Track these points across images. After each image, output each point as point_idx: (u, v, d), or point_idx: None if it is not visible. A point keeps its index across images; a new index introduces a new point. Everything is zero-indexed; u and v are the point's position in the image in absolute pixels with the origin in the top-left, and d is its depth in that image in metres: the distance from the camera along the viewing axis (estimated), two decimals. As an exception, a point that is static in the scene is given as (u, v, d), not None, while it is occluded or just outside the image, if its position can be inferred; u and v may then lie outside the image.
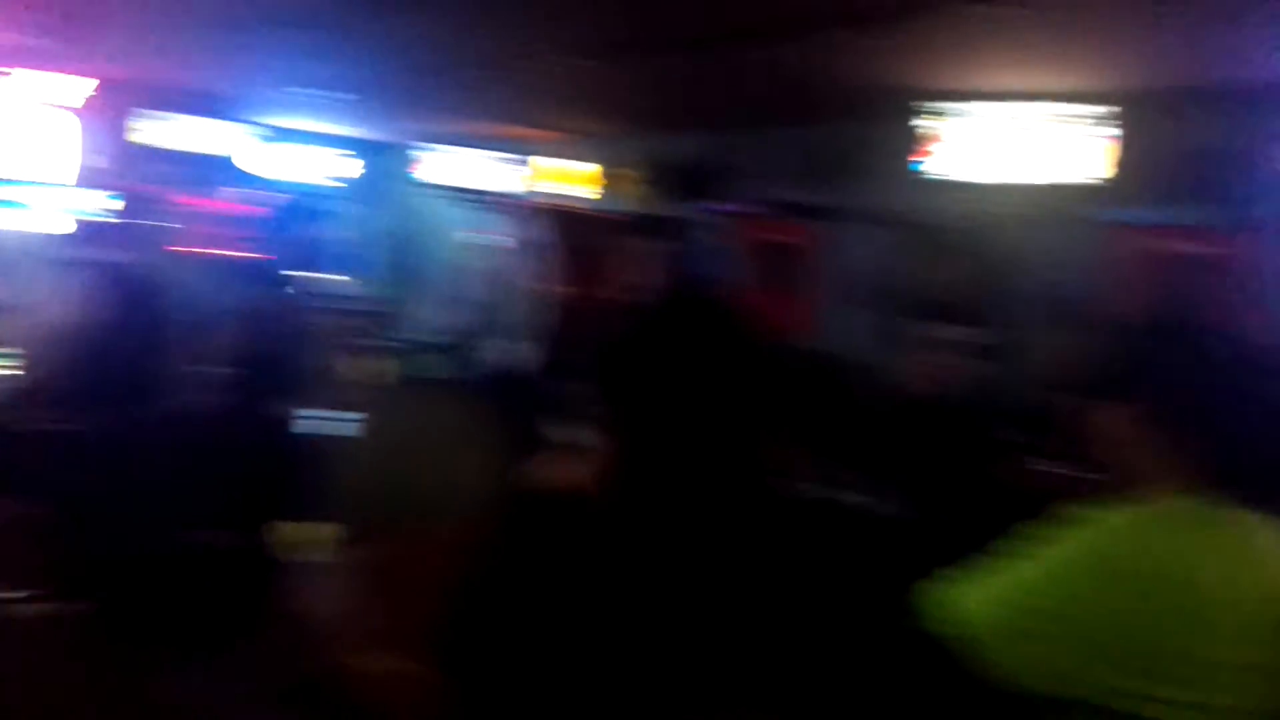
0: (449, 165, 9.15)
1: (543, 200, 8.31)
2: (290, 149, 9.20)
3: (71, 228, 7.56)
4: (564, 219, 4.32)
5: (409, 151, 10.41)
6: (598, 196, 8.21)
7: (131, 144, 7.83)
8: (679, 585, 2.88)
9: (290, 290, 4.14)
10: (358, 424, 2.59)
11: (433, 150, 9.06)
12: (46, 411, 3.74)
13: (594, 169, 8.44)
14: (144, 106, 7.70)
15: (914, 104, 5.53)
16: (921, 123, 5.61)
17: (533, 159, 8.88)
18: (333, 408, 5.27)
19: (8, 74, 6.27)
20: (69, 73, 6.93)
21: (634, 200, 7.00)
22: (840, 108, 5.84)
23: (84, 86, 7.38)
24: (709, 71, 5.29)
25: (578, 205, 7.83)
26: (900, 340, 3.70)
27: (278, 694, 1.50)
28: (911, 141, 5.67)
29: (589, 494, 2.82)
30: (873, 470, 3.44)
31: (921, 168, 5.67)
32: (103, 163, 7.76)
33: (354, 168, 9.84)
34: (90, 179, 7.63)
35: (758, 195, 6.64)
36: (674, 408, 3.09)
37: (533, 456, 2.88)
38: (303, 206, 4.46)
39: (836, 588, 3.18)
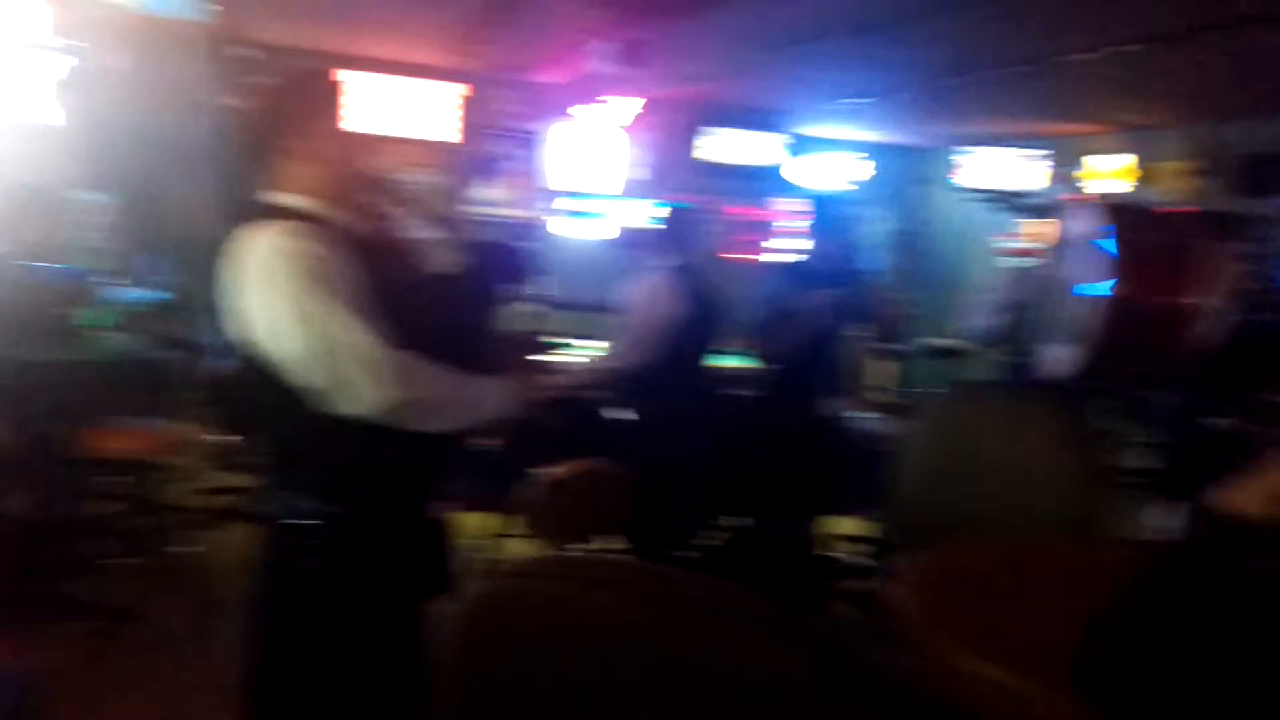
0: (984, 167, 8.94)
1: (1089, 197, 7.83)
2: (823, 157, 9.56)
3: (638, 233, 8.51)
4: (1120, 216, 4.04)
5: (941, 155, 10.37)
6: (1148, 191, 7.58)
7: (684, 156, 8.58)
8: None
9: (830, 292, 4.27)
10: (911, 426, 2.64)
11: (967, 152, 8.90)
12: (622, 395, 4.23)
13: (1138, 162, 7.82)
14: (698, 123, 8.38)
15: None
16: None
17: (1075, 155, 8.41)
18: (871, 408, 5.39)
19: (604, 101, 7.17)
20: (638, 95, 7.71)
21: (1186, 194, 6.38)
22: None
23: (637, 105, 8.23)
24: (1265, 53, 4.68)
25: (1132, 201, 7.26)
26: None
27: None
28: None
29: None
30: None
31: None
32: (656, 175, 8.60)
33: (882, 173, 9.99)
34: (643, 190, 8.50)
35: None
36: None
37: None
38: (839, 213, 4.58)
39: None
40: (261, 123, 2.02)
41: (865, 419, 4.78)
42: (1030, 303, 4.76)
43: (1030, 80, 5.81)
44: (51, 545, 4.30)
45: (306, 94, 2.05)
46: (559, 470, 4.00)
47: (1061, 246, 3.89)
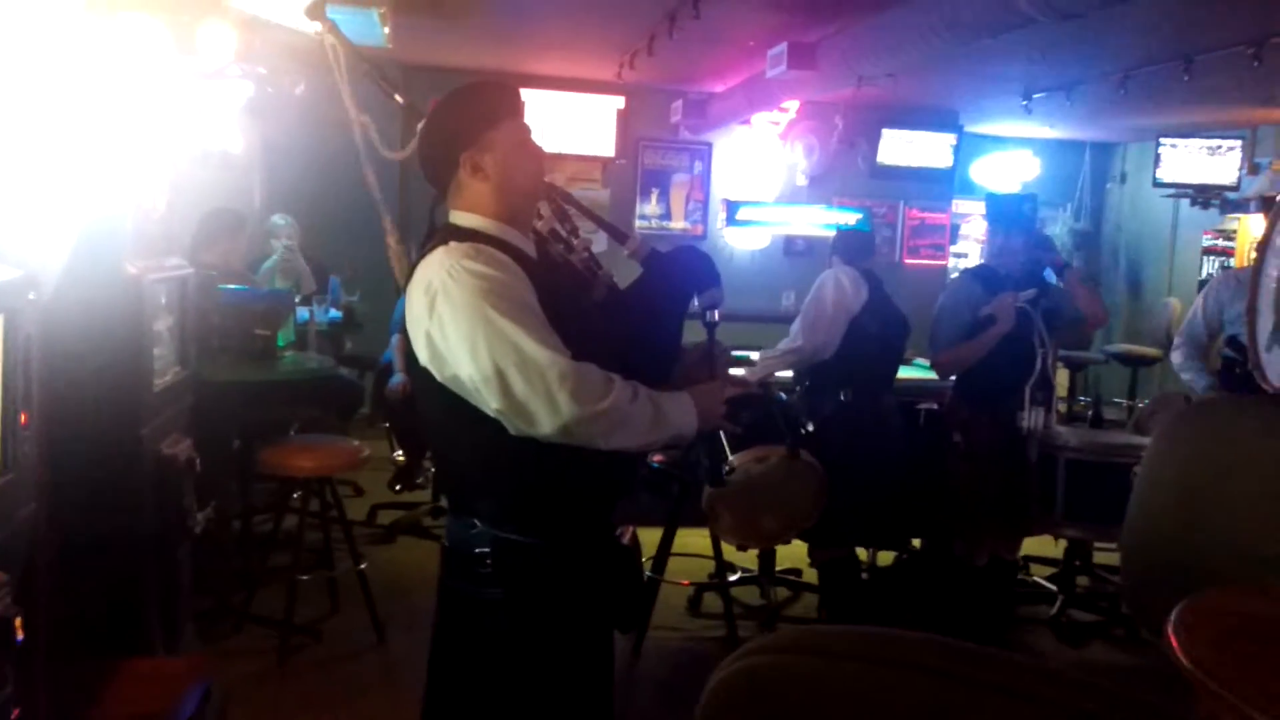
0: (1179, 160, 8.36)
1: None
2: (1001, 156, 9.17)
3: (811, 243, 8.32)
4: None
5: (1123, 150, 9.81)
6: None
7: (857, 160, 8.34)
8: None
9: (1023, 295, 3.98)
10: (1154, 443, 2.38)
11: (1157, 145, 8.34)
12: (803, 401, 4.12)
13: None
14: (872, 126, 8.13)
15: None
16: None
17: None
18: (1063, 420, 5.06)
19: (773, 108, 7.02)
20: (808, 99, 7.50)
21: None
22: None
23: (807, 110, 8.04)
24: None
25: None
26: None
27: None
28: None
29: None
30: None
31: None
32: (828, 180, 8.38)
33: (1060, 170, 9.52)
34: (814, 197, 8.28)
35: None
36: None
37: None
38: (1025, 213, 4.27)
39: None
40: (442, 134, 1.95)
41: (1062, 432, 4.45)
42: (1237, 304, 4.31)
43: (1239, 64, 5.36)
44: (231, 560, 4.41)
45: (487, 103, 1.97)
46: (747, 458, 3.86)
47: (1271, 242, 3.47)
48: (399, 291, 2.56)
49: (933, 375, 4.38)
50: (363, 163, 3.48)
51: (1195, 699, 1.11)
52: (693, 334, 2.04)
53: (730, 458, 3.96)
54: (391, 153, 3.25)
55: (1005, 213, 4.23)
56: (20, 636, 1.88)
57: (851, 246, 4.28)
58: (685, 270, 2.05)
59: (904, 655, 0.72)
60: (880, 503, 4.09)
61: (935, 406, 4.47)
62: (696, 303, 2.06)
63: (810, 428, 4.01)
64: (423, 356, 1.85)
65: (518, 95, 2.02)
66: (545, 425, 1.75)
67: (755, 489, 3.83)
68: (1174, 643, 1.14)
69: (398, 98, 2.73)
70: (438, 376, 1.84)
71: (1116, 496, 2.77)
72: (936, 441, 4.22)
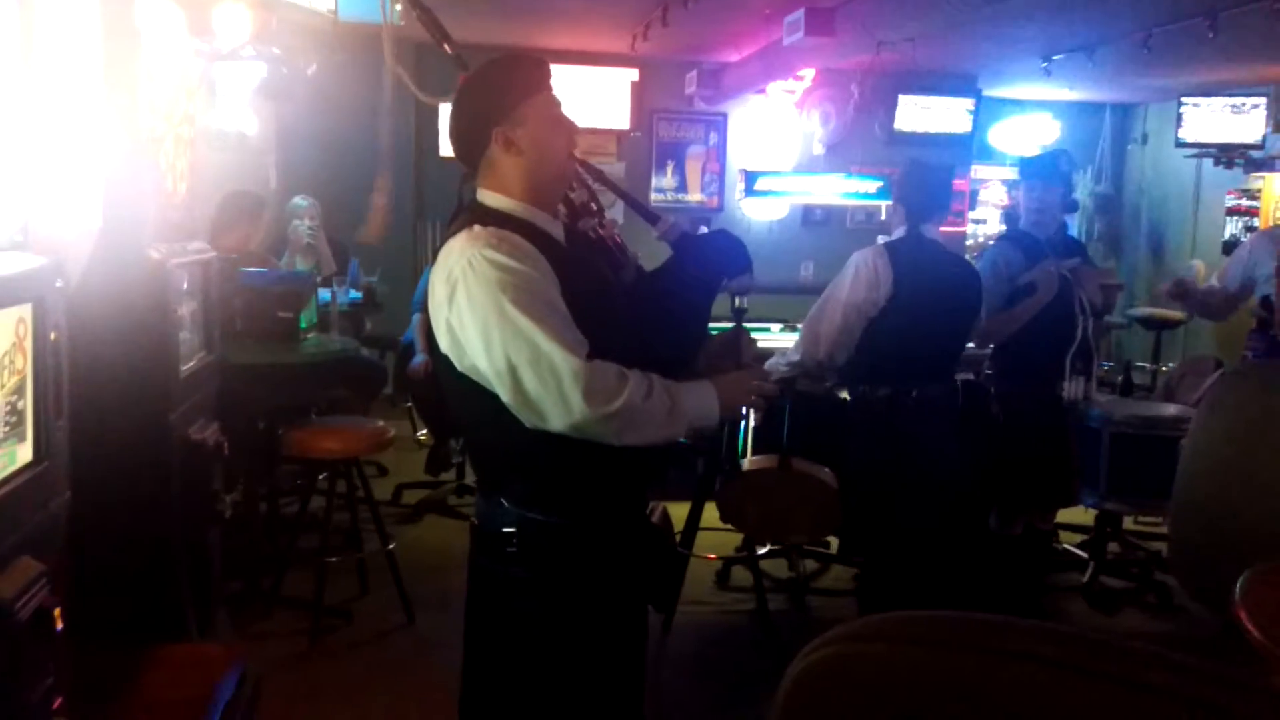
0: (1201, 119, 8.23)
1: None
2: (1021, 120, 9.06)
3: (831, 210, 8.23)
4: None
5: (1143, 110, 9.67)
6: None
7: (874, 127, 8.25)
8: None
9: (1063, 263, 3.90)
10: (1202, 412, 2.33)
11: (1179, 105, 8.21)
12: (839, 382, 3.90)
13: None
14: (890, 92, 8.04)
15: None
16: None
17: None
18: (1115, 390, 5.01)
19: (790, 76, 6.88)
20: (825, 66, 7.42)
21: None
22: None
23: (824, 77, 7.93)
24: None
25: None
26: None
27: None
28: None
29: None
30: None
31: None
32: (846, 148, 8.29)
33: (1079, 133, 9.40)
34: (831, 165, 8.20)
35: None
36: None
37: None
38: (1057, 175, 4.14)
39: None
40: (473, 109, 1.91)
41: (1105, 403, 4.39)
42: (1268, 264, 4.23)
43: (1265, 18, 5.25)
44: (259, 542, 4.41)
45: (519, 77, 1.93)
46: (758, 464, 3.81)
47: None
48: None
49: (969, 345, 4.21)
50: (378, 118, 3.39)
51: (1267, 670, 1.09)
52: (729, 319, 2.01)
53: (747, 456, 3.90)
54: (430, 97, 3.23)
55: (1041, 168, 4.11)
56: (59, 626, 1.88)
57: (912, 197, 3.57)
58: (719, 254, 2.01)
59: (1012, 643, 0.69)
60: (914, 512, 3.52)
61: (972, 377, 4.34)
62: (725, 287, 2.03)
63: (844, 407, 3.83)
64: (443, 343, 1.84)
65: (548, 68, 1.99)
66: (556, 422, 1.74)
67: (754, 491, 3.78)
68: (1242, 614, 1.12)
69: (447, 47, 2.71)
70: (458, 365, 1.83)
71: (1161, 470, 2.73)
72: (973, 413, 4.07)
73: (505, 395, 1.76)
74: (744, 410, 2.01)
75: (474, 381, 1.81)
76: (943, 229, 3.89)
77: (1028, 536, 4.10)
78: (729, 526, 4.07)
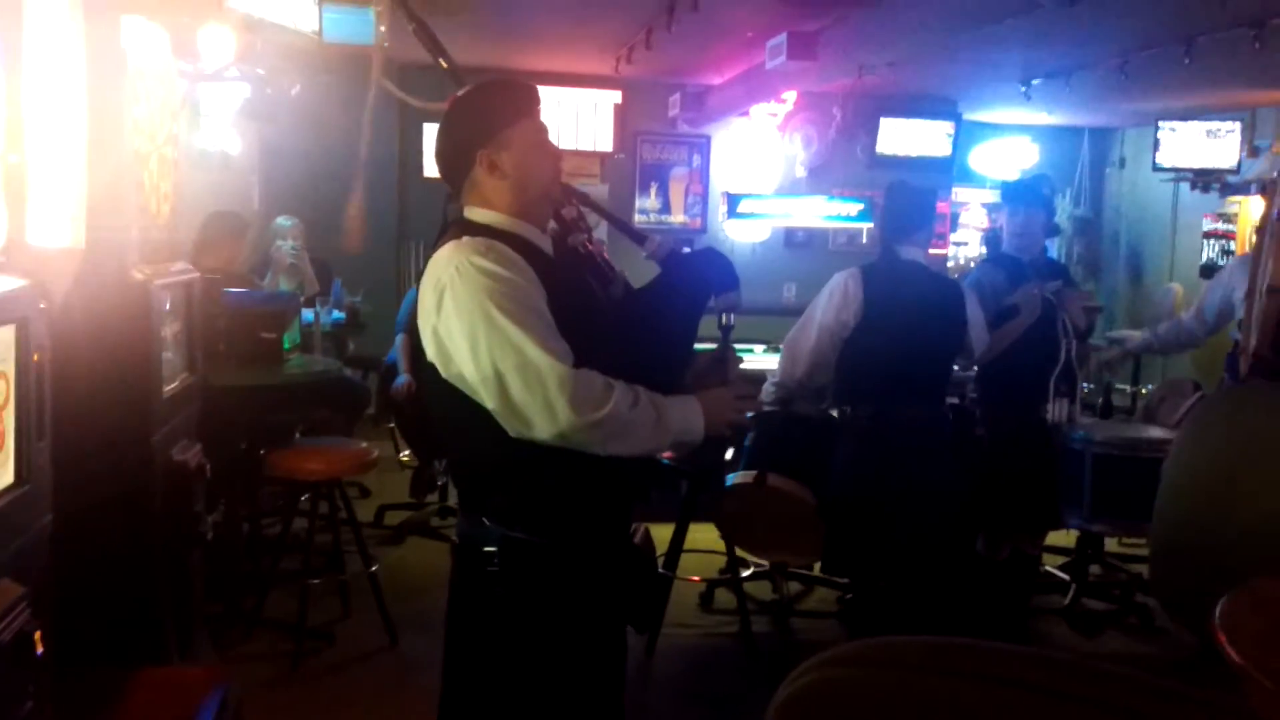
0: (1178, 144, 8.30)
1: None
2: (1000, 143, 9.13)
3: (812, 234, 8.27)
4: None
5: (1121, 135, 9.77)
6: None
7: (855, 151, 8.30)
8: None
9: (1046, 285, 3.92)
10: (1182, 433, 2.36)
11: (1155, 129, 8.29)
12: (822, 402, 3.89)
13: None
14: (871, 115, 8.10)
15: None
16: None
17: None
18: (1099, 413, 5.03)
19: (772, 99, 6.93)
20: (807, 90, 7.47)
21: None
22: None
23: (805, 100, 7.98)
24: None
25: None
26: None
27: None
28: None
29: None
30: None
31: None
32: (827, 171, 8.35)
33: (1057, 157, 9.49)
34: (813, 187, 8.25)
35: None
36: None
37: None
38: (1038, 199, 4.17)
39: None
40: (459, 131, 1.93)
41: (1088, 425, 4.41)
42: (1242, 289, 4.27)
43: (1240, 45, 5.33)
44: (241, 564, 4.38)
45: (505, 101, 1.94)
46: (744, 480, 3.81)
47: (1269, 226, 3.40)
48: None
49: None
50: (363, 128, 3.39)
51: (1246, 692, 1.10)
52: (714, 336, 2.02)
53: (737, 473, 3.90)
54: (422, 104, 3.25)
55: (1023, 192, 4.14)
56: (40, 650, 1.86)
57: (892, 218, 3.60)
58: (707, 272, 2.02)
59: (997, 669, 0.69)
60: (898, 532, 3.48)
61: (957, 400, 4.35)
62: (712, 305, 2.04)
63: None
64: (430, 352, 1.84)
65: (535, 94, 2.01)
66: (541, 430, 1.74)
67: (739, 506, 3.79)
68: (1221, 637, 1.13)
69: (442, 62, 2.74)
70: (443, 373, 1.83)
71: (1145, 492, 2.75)
72: (959, 436, 4.07)
73: (491, 402, 1.76)
74: (727, 431, 2.01)
75: (459, 391, 1.81)
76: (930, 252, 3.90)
77: (1014, 561, 4.11)
78: (713, 549, 4.06)
